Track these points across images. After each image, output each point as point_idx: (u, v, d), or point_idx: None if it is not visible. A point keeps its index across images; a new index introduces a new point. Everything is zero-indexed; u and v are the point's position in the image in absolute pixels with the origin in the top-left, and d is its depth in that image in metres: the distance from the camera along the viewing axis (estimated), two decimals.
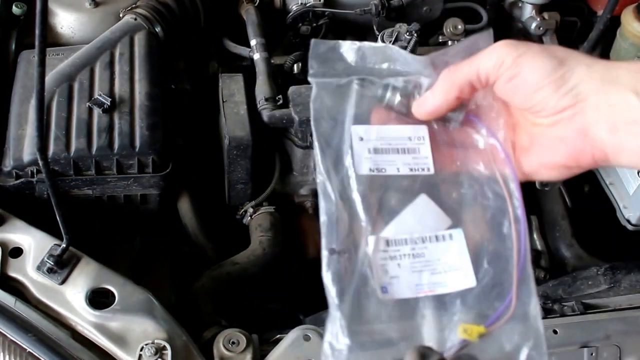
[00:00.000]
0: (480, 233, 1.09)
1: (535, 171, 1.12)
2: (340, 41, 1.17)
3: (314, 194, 2.16)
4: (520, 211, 1.08)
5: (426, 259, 1.07)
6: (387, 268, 1.05)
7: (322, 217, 1.05)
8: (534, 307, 1.04)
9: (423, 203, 1.10)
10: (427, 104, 1.11)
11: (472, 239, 1.09)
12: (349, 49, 1.16)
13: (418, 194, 1.10)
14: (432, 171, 1.12)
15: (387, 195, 1.10)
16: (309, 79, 1.14)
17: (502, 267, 1.07)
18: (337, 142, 1.10)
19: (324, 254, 1.03)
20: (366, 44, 1.16)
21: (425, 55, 1.16)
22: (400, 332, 1.03)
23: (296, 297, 2.08)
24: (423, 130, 1.14)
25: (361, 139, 1.11)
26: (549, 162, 1.09)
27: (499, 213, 1.09)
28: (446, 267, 1.07)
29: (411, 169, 1.11)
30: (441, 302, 1.06)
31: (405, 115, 1.14)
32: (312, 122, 1.11)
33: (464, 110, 1.13)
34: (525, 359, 1.02)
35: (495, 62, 1.05)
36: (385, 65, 1.16)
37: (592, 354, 1.62)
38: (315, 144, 1.09)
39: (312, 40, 1.16)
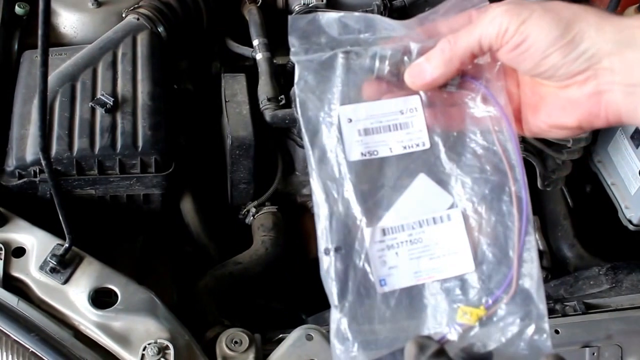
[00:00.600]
0: (479, 211, 1.06)
1: (544, 131, 1.09)
2: (320, 12, 1.11)
3: None
4: (522, 185, 1.05)
5: (424, 244, 1.04)
6: (385, 259, 1.03)
7: (316, 214, 1.03)
8: (537, 288, 1.02)
9: (422, 184, 1.06)
10: (425, 75, 1.06)
11: (470, 218, 1.06)
12: (329, 20, 1.09)
13: (415, 173, 1.07)
14: (427, 145, 1.07)
15: (382, 179, 1.06)
16: (291, 57, 1.07)
17: (503, 248, 1.04)
18: (325, 128, 1.06)
19: (320, 255, 1.02)
20: (347, 13, 1.10)
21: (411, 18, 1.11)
22: (403, 324, 1.03)
23: (298, 297, 2.08)
24: (415, 101, 1.08)
25: (350, 120, 1.06)
26: (560, 124, 1.05)
27: (498, 188, 1.06)
28: (444, 251, 1.05)
29: (405, 147, 1.07)
30: (442, 289, 1.04)
31: (396, 85, 1.08)
32: (297, 107, 1.07)
33: (460, 73, 1.07)
34: (527, 344, 1.01)
35: (498, 30, 0.99)
36: (369, 34, 1.09)
37: (593, 354, 1.63)
38: (303, 132, 1.06)
39: (290, 17, 1.09)
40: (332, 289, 1.01)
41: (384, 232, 1.04)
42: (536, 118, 1.08)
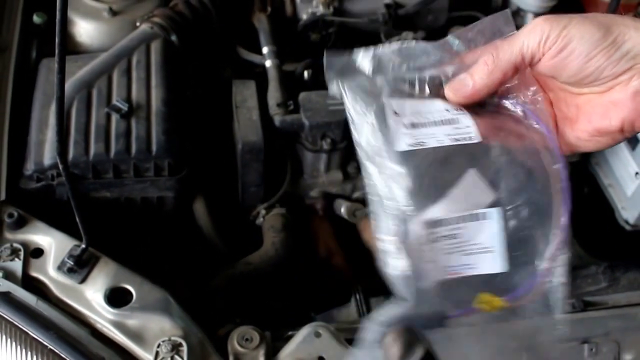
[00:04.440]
0: (520, 214, 1.04)
1: (583, 141, 1.07)
2: (354, 53, 1.09)
3: (324, 196, 2.20)
4: (566, 193, 1.04)
5: (460, 240, 1.02)
6: (423, 253, 1.01)
7: (369, 202, 1.03)
8: (559, 295, 1.02)
9: (471, 179, 1.04)
10: (466, 89, 1.05)
11: (510, 218, 1.04)
12: (364, 58, 1.08)
13: (462, 167, 1.04)
14: (477, 139, 1.04)
15: (431, 171, 1.03)
16: (333, 90, 1.06)
17: (536, 252, 1.04)
18: (372, 119, 1.03)
19: (377, 242, 1.01)
20: (379, 49, 1.09)
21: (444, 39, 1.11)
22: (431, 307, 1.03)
23: (307, 296, 2.11)
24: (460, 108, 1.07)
25: (395, 113, 1.04)
26: (602, 128, 1.03)
27: (542, 192, 1.05)
28: (479, 248, 1.03)
29: (453, 140, 1.03)
30: (472, 281, 1.03)
31: None
32: (348, 105, 1.05)
33: (501, 88, 1.06)
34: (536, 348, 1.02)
35: (540, 38, 0.99)
36: (405, 66, 1.08)
37: (592, 350, 1.64)
38: (352, 120, 1.04)
39: (325, 58, 1.08)
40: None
41: (426, 225, 1.01)
42: (574, 129, 1.07)
